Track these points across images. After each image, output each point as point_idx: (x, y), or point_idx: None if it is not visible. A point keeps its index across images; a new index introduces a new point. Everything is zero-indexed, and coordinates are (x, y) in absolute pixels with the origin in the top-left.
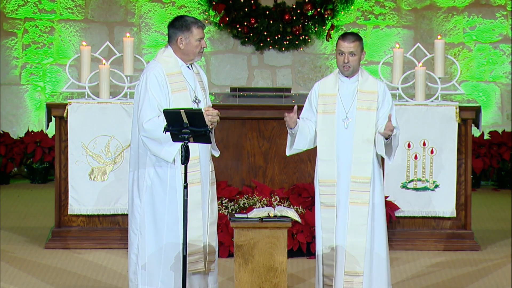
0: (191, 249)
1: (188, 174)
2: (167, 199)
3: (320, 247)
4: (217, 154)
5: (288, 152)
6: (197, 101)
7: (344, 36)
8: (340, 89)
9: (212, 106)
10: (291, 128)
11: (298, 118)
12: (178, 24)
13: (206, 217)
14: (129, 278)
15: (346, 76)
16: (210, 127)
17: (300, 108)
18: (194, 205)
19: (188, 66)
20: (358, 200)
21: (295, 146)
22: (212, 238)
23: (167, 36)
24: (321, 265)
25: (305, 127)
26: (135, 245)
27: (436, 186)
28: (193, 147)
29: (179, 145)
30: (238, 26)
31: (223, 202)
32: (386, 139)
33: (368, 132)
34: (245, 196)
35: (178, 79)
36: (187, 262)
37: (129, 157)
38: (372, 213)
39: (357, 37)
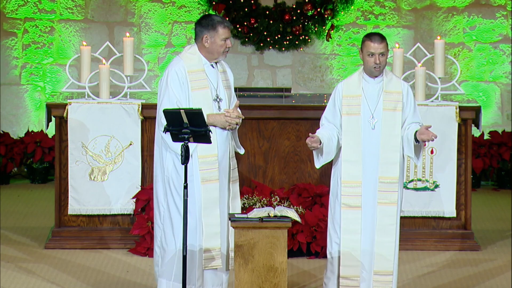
0: (207, 246)
1: (206, 171)
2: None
3: (336, 248)
4: (241, 151)
5: (318, 165)
6: (218, 99)
7: (371, 36)
8: (365, 89)
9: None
10: (316, 148)
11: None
12: (205, 23)
13: (225, 214)
14: (154, 270)
15: (375, 76)
16: (227, 128)
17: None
18: (212, 202)
19: (211, 65)
20: (386, 200)
21: (324, 159)
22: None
23: (193, 33)
24: (336, 267)
25: (329, 140)
26: (158, 238)
27: (436, 186)
28: (212, 144)
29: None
30: (238, 26)
31: None
32: (417, 142)
33: (395, 133)
34: (245, 196)
35: (200, 76)
36: (202, 258)
37: (154, 151)
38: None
39: (384, 37)
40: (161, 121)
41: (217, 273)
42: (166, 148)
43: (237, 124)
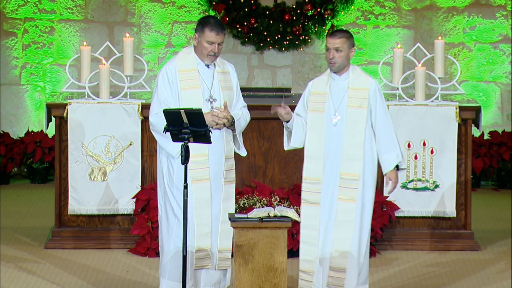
0: (199, 246)
1: (196, 170)
2: (178, 195)
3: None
4: (243, 153)
5: (286, 147)
6: (211, 99)
7: (331, 32)
8: (331, 87)
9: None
10: (286, 122)
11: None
12: (199, 22)
13: (216, 214)
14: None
15: (335, 73)
16: (214, 127)
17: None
18: (203, 202)
19: (207, 65)
20: (346, 196)
21: (292, 143)
22: (226, 236)
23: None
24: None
25: (299, 125)
26: (160, 239)
27: (436, 186)
28: (203, 144)
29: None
30: (238, 26)
31: None
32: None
33: (359, 129)
34: (245, 196)
35: (191, 76)
36: (194, 258)
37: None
38: (361, 210)
39: (344, 34)
40: (149, 119)
41: (210, 273)
42: (160, 149)
43: (224, 125)
